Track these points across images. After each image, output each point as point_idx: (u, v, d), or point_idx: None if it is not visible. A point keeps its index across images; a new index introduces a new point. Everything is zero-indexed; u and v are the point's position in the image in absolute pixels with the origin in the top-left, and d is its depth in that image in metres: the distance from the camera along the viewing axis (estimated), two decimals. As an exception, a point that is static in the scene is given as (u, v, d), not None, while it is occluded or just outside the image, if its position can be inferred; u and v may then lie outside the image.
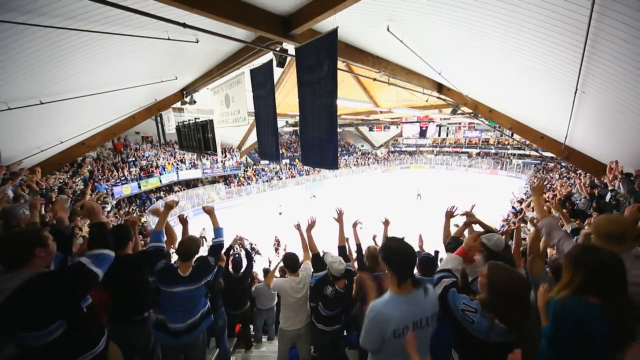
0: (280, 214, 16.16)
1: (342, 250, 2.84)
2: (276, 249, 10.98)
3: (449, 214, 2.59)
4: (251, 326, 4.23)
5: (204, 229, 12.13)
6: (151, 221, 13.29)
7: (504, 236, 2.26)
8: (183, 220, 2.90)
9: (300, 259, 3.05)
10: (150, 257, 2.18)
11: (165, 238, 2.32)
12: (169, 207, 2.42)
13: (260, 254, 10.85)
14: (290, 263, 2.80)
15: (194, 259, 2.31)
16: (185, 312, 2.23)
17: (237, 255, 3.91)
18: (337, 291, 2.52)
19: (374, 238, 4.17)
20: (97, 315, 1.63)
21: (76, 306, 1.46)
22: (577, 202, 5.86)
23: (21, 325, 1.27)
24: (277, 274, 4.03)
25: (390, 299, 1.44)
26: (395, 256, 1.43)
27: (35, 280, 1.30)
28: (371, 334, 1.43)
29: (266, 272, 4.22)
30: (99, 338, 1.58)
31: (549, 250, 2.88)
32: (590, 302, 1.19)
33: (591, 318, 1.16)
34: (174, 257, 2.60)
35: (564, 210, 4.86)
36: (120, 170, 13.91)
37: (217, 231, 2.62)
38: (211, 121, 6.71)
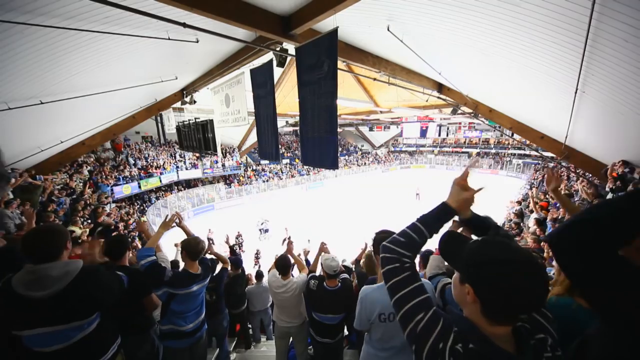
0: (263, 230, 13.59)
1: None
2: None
3: None
4: (250, 325, 4.24)
5: (210, 230, 12.14)
6: (151, 221, 13.29)
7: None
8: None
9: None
10: (155, 273, 2.10)
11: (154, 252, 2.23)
12: (167, 226, 2.35)
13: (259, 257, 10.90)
14: (281, 264, 2.75)
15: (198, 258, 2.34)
16: (194, 312, 2.29)
17: (235, 254, 3.93)
18: (325, 288, 2.44)
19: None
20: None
21: (110, 302, 1.53)
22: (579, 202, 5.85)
23: (74, 312, 1.32)
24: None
25: (381, 285, 1.57)
26: None
27: (88, 269, 1.42)
28: (360, 315, 1.62)
29: (259, 275, 4.23)
30: (115, 339, 1.61)
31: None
32: (580, 306, 1.19)
33: (579, 320, 1.15)
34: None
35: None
36: (120, 170, 13.90)
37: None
38: (211, 121, 6.72)
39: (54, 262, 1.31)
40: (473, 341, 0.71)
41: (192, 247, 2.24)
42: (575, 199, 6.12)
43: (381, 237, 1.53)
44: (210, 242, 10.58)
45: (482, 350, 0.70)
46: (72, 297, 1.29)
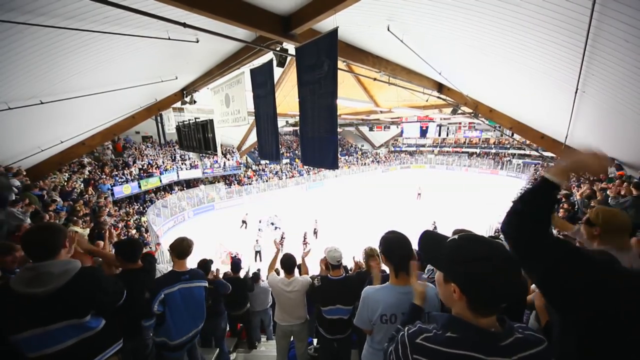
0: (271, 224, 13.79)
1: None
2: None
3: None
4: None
5: (246, 214, 11.88)
6: (151, 221, 13.28)
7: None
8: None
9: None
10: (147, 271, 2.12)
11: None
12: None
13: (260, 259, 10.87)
14: (286, 263, 2.76)
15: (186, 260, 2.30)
16: (192, 319, 2.24)
17: (235, 256, 3.90)
18: (330, 279, 2.47)
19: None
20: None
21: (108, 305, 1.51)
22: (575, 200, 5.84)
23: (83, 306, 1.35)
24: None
25: (385, 286, 1.56)
26: (392, 247, 1.51)
27: (87, 269, 1.42)
28: (361, 313, 1.59)
29: (255, 277, 4.22)
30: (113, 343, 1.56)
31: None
32: None
33: None
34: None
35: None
36: (120, 170, 13.91)
37: None
38: (211, 121, 6.72)
39: (53, 260, 1.31)
40: (454, 330, 0.76)
41: (179, 246, 2.20)
42: (574, 199, 6.12)
43: (387, 237, 1.53)
44: (245, 224, 10.27)
45: (462, 336, 0.74)
46: (70, 295, 1.29)
